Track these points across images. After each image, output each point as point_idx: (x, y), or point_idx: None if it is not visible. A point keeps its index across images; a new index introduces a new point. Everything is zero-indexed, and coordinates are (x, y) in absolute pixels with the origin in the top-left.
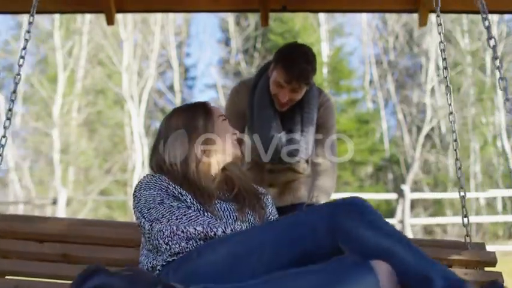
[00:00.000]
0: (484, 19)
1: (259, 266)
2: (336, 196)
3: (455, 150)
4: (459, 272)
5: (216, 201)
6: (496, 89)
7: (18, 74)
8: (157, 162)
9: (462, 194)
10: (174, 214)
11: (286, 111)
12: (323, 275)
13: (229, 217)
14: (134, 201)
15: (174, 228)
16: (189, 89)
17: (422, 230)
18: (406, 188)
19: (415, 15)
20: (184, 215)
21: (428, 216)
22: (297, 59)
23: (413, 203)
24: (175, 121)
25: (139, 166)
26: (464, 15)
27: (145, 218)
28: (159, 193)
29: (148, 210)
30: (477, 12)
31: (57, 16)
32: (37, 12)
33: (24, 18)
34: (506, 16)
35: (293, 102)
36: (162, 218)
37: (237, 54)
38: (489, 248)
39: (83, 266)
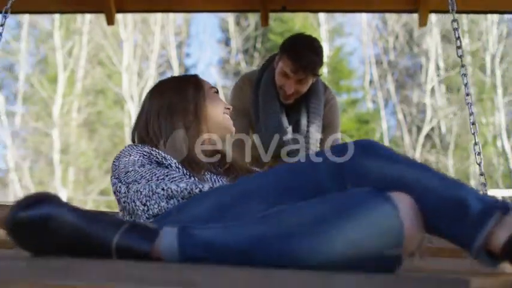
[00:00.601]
0: None
1: (254, 214)
2: None
3: (474, 134)
4: None
5: (206, 173)
6: (496, 89)
7: None
8: (139, 134)
9: (483, 181)
10: (155, 175)
11: (292, 104)
12: (331, 204)
13: None
14: (112, 170)
15: (153, 186)
16: None
17: None
18: None
19: (415, 15)
20: (167, 175)
21: None
22: (303, 49)
23: None
24: (162, 92)
25: None
26: (464, 15)
27: (121, 182)
28: (140, 158)
29: (126, 173)
30: (478, 12)
31: (57, 16)
32: (37, 12)
33: (25, 17)
34: (506, 16)
35: (299, 95)
36: (141, 179)
37: (237, 54)
38: None
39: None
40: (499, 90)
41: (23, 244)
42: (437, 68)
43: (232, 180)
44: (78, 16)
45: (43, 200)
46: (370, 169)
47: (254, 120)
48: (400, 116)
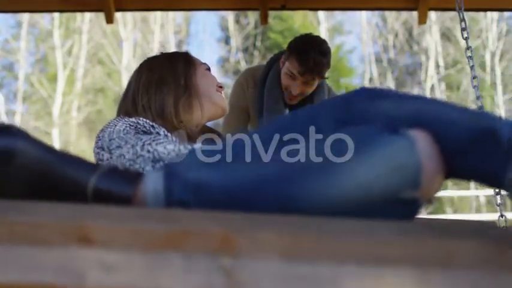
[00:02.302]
0: None
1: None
2: None
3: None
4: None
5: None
6: (495, 86)
7: None
8: (126, 109)
9: (497, 190)
10: (140, 140)
11: (296, 105)
12: (341, 138)
13: None
14: (95, 142)
15: (138, 149)
16: None
17: None
18: None
19: (415, 13)
20: (154, 140)
21: (428, 214)
22: (311, 51)
23: None
24: (151, 67)
25: None
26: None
27: (104, 150)
28: (127, 128)
29: (109, 141)
30: (477, 10)
31: (56, 15)
32: (37, 11)
33: (24, 17)
34: (506, 14)
35: (304, 96)
36: (125, 144)
37: (236, 52)
38: None
39: None
40: (499, 88)
41: None
42: (437, 65)
43: None
44: (78, 15)
45: (7, 131)
46: (381, 110)
47: (256, 118)
48: None
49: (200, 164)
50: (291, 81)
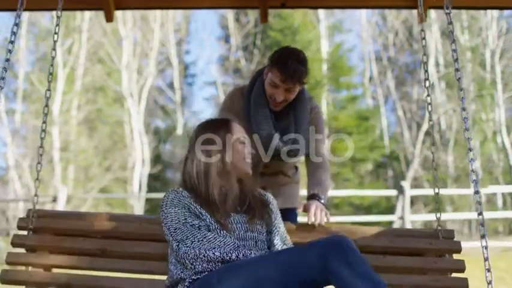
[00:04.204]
0: None
1: None
2: (336, 193)
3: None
4: (429, 259)
5: (231, 214)
6: (495, 85)
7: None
8: (189, 174)
9: (436, 190)
10: (196, 236)
11: (281, 111)
12: None
13: (241, 229)
14: (162, 217)
15: (197, 251)
16: (188, 87)
17: (423, 226)
18: (406, 184)
19: (415, 12)
20: (205, 237)
21: (428, 213)
22: (290, 60)
23: (413, 200)
24: (200, 134)
25: (139, 164)
26: (464, 11)
27: (172, 237)
28: (183, 211)
29: (174, 230)
30: (473, 8)
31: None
32: (36, 10)
33: (24, 15)
34: (506, 12)
35: (287, 102)
36: (186, 239)
37: (236, 51)
38: (490, 243)
39: (118, 260)
40: (499, 86)
41: None
42: (437, 64)
43: (250, 219)
44: (78, 14)
45: None
46: (341, 274)
47: (245, 123)
48: (400, 113)
49: None
50: (275, 89)
